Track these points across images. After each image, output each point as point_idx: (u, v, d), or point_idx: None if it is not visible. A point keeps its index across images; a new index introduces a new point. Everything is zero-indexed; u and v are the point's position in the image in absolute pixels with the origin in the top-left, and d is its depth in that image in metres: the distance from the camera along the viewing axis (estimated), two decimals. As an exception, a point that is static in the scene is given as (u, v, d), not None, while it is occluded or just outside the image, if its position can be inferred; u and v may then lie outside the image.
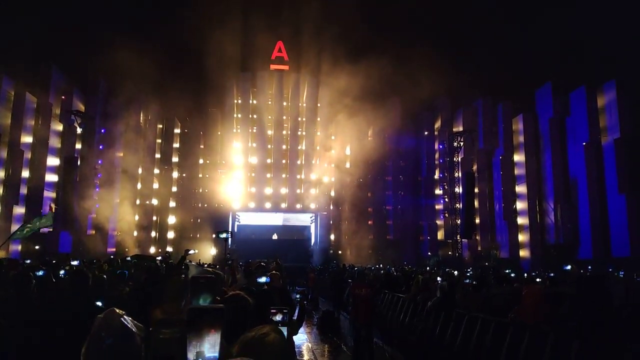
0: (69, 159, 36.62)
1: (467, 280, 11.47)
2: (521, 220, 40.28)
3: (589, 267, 24.91)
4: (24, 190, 33.75)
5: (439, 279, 10.73)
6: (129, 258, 18.42)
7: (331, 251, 41.23)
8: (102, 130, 40.11)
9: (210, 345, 1.41)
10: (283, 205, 44.05)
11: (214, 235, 38.43)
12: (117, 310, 1.78)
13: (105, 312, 1.76)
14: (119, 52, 34.56)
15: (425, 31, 62.93)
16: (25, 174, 34.11)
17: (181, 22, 38.75)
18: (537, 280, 11.79)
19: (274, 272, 6.55)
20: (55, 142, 37.43)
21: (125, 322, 1.72)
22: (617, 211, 32.82)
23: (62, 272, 9.21)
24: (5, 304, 4.19)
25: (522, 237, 39.80)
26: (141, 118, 42.22)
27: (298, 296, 4.72)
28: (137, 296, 5.90)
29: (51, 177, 36.69)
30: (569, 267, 24.39)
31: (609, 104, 34.91)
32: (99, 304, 6.22)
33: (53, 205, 13.14)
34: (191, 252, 9.68)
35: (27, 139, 34.68)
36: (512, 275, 16.69)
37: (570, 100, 37.73)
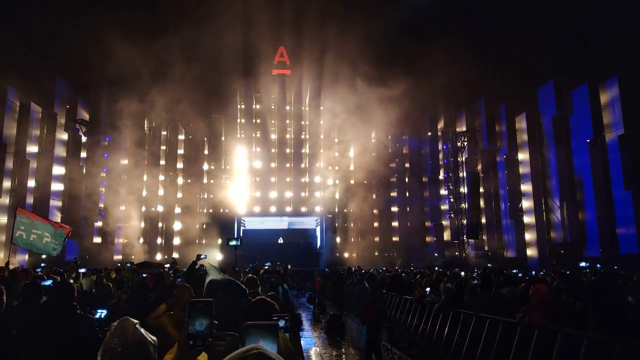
0: (74, 167, 36.86)
1: (475, 282, 11.43)
2: (527, 219, 40.11)
3: (598, 265, 24.74)
4: (30, 199, 33.97)
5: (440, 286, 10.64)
6: (128, 264, 18.39)
7: (337, 254, 41.15)
8: (107, 139, 40.33)
9: None
10: (288, 209, 44.06)
11: (219, 241, 38.76)
12: (130, 319, 1.81)
13: (119, 321, 1.80)
14: (122, 61, 34.83)
15: (425, 32, 62.92)
16: (31, 183, 34.34)
17: (184, 29, 38.91)
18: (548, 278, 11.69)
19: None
20: (60, 151, 37.67)
21: (139, 332, 1.75)
22: (623, 208, 32.61)
23: (70, 280, 9.28)
24: (15, 314, 4.23)
25: (529, 236, 39.61)
26: (145, 125, 42.42)
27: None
28: (134, 303, 5.93)
29: (57, 186, 36.90)
30: (583, 263, 24.23)
31: (612, 101, 34.77)
32: (104, 312, 6.25)
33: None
34: (202, 256, 9.55)
35: (32, 148, 34.93)
36: (520, 274, 16.62)
37: (572, 98, 37.62)
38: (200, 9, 43.43)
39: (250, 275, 6.28)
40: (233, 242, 10.65)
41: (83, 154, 38.85)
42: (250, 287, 5.25)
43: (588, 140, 35.13)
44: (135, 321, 1.86)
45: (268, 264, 18.40)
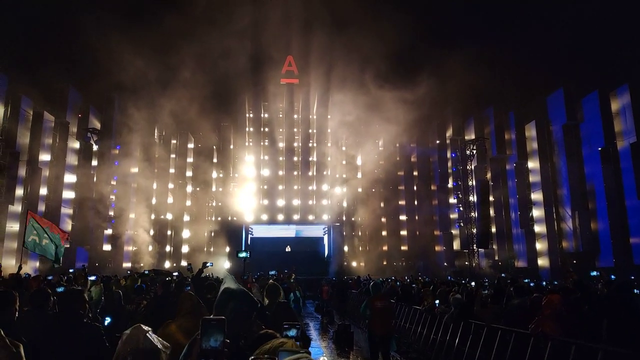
0: (86, 175, 37.24)
1: (486, 292, 11.28)
2: (538, 228, 39.59)
3: (612, 277, 24.30)
4: (42, 207, 34.31)
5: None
6: (146, 271, 18.65)
7: (345, 262, 40.94)
8: (117, 147, 40.73)
9: None
10: (296, 217, 44.03)
11: (227, 249, 38.78)
12: (142, 327, 1.80)
13: (131, 328, 1.79)
14: (133, 71, 35.26)
15: (433, 39, 62.93)
16: (44, 191, 34.71)
17: (193, 39, 39.36)
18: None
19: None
20: (72, 160, 38.09)
21: (150, 339, 1.74)
22: (636, 217, 32.08)
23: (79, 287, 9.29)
24: (24, 320, 4.22)
25: (540, 246, 39.06)
26: (155, 134, 42.81)
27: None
28: (153, 309, 5.92)
29: (68, 194, 37.26)
30: (594, 273, 23.79)
31: (623, 108, 34.39)
32: (108, 319, 6.25)
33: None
34: (209, 264, 9.73)
35: (45, 156, 35.35)
36: (532, 284, 16.39)
37: (583, 106, 37.30)
38: (210, 19, 43.90)
39: (271, 281, 6.22)
40: (242, 254, 10.72)
41: (94, 162, 39.24)
42: (272, 295, 5.14)
43: (599, 149, 34.71)
44: (147, 328, 1.85)
45: (272, 272, 18.46)
